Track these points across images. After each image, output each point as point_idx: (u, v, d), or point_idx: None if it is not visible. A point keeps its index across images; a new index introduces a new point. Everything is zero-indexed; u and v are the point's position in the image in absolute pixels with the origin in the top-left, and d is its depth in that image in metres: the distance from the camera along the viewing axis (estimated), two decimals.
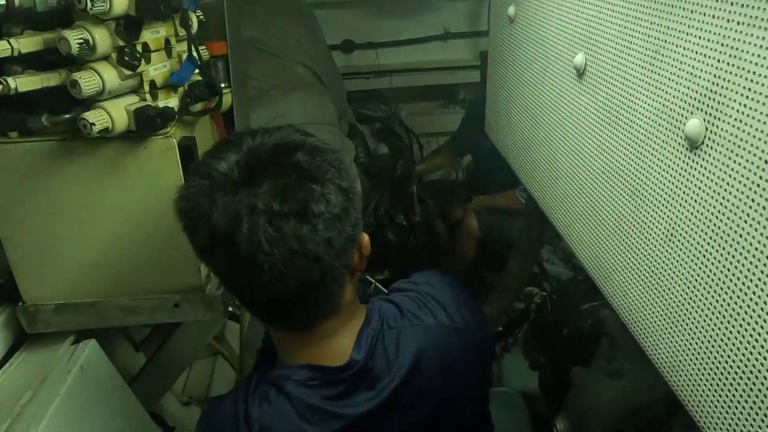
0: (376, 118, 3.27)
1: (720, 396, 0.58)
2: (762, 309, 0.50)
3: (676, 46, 0.58)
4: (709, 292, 0.56)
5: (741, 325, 0.53)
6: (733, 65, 0.50)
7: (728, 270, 0.53)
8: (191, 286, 1.09)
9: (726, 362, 0.56)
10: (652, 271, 0.65)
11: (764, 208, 0.47)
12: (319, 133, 0.77)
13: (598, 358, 1.29)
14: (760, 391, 0.52)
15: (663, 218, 0.61)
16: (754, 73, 0.48)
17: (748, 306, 0.51)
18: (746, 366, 0.53)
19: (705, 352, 0.60)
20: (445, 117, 3.50)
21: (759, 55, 0.47)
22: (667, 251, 0.61)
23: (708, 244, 0.55)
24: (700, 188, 0.55)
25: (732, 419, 0.57)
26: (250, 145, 0.68)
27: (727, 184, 0.51)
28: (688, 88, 0.55)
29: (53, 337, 1.12)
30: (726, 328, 0.55)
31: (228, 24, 1.11)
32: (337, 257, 0.68)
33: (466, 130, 2.84)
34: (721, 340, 0.56)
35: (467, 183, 2.87)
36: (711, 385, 0.59)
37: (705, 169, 0.54)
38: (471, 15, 3.17)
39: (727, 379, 0.56)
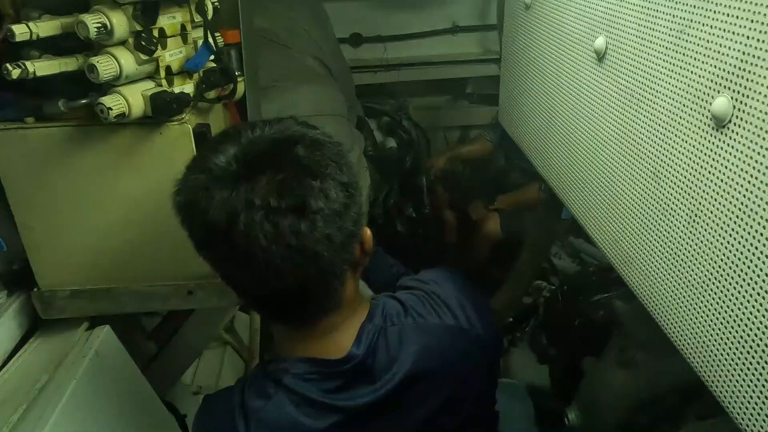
0: (383, 112, 3.26)
1: (747, 377, 0.58)
2: None
3: (703, 24, 0.57)
4: (735, 273, 0.56)
5: None
6: (763, 41, 0.49)
7: (756, 249, 0.52)
8: (205, 274, 1.09)
9: (754, 343, 0.56)
10: (675, 254, 0.65)
11: None
12: (328, 124, 0.77)
13: (610, 349, 1.29)
14: None
15: (687, 199, 0.61)
16: None
17: None
18: None
19: (731, 334, 0.59)
20: (453, 111, 3.50)
21: None
22: (691, 232, 0.61)
23: (734, 223, 0.54)
24: (726, 167, 0.55)
25: (759, 400, 0.56)
26: (250, 138, 0.67)
27: (755, 161, 0.50)
28: (715, 66, 0.55)
29: (67, 324, 1.12)
30: (753, 308, 0.55)
31: (241, 12, 1.11)
32: (337, 253, 0.67)
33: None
34: (749, 319, 0.56)
35: (493, 180, 2.85)
36: (738, 366, 0.59)
37: (731, 147, 0.53)
38: (480, 8, 3.15)
39: (755, 359, 0.56)
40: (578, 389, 1.33)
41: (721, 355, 0.61)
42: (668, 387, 1.16)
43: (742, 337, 0.57)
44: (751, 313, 0.55)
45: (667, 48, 0.63)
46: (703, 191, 0.58)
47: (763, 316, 0.54)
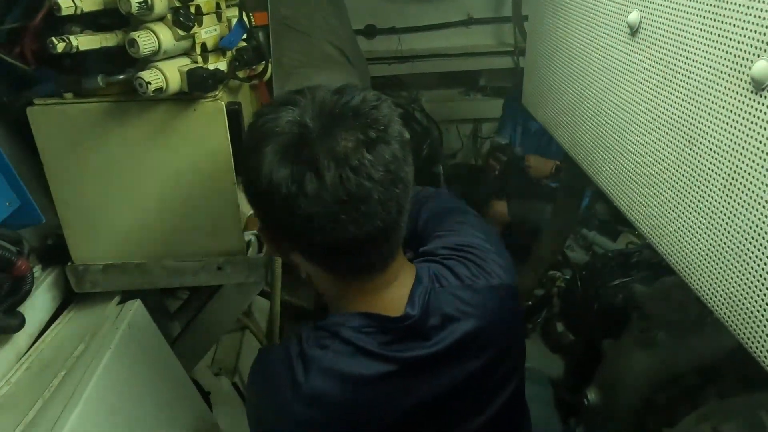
0: (396, 104, 3.27)
1: None
2: None
3: None
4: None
5: None
6: None
7: None
8: (234, 250, 1.12)
9: None
10: (711, 220, 0.66)
11: None
12: None
13: (630, 331, 1.30)
14: None
15: (723, 164, 0.62)
16: None
17: None
18: None
19: (759, 287, 0.60)
20: (466, 104, 3.51)
21: None
22: (728, 195, 0.63)
23: None
24: (765, 128, 0.56)
25: None
26: (310, 99, 0.70)
27: None
28: (755, 31, 0.56)
29: (99, 297, 1.15)
30: None
31: None
32: (406, 197, 0.71)
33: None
34: None
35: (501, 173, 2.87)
36: None
37: None
38: (495, 0, 3.16)
39: None
40: (597, 371, 1.35)
41: (759, 313, 0.62)
42: (688, 366, 1.17)
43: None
44: None
45: (704, 16, 0.65)
46: (741, 154, 0.60)
47: None
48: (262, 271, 1.13)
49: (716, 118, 0.63)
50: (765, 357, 0.64)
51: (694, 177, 0.69)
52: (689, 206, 0.71)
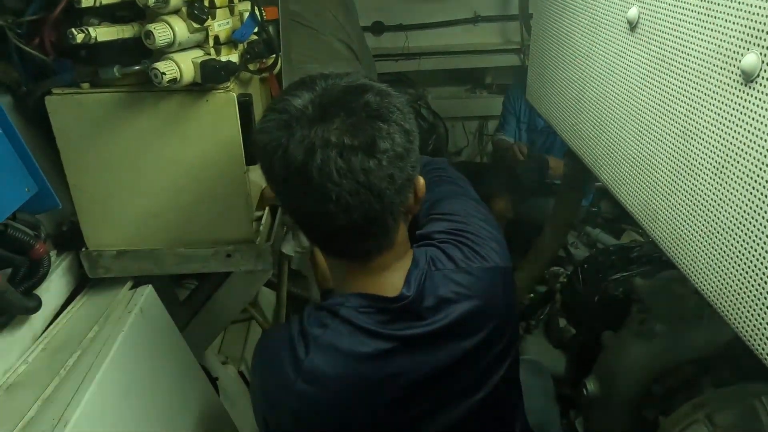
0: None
1: None
2: None
3: None
4: (760, 216, 0.59)
5: None
6: None
7: None
8: (243, 238, 1.15)
9: None
10: (703, 210, 0.69)
11: None
12: None
13: (630, 322, 1.33)
14: None
15: (714, 153, 0.65)
16: None
17: None
18: None
19: (756, 276, 0.63)
20: (472, 101, 3.53)
21: None
22: (717, 183, 0.65)
23: (760, 169, 0.58)
24: (753, 118, 0.59)
25: None
26: (323, 85, 0.74)
27: None
28: (745, 26, 0.59)
29: (112, 283, 1.19)
30: None
31: None
32: (397, 193, 0.73)
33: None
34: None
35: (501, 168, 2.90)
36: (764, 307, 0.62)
37: (759, 99, 0.57)
38: None
39: None
40: (597, 362, 1.37)
41: (746, 296, 0.65)
42: (686, 357, 1.20)
43: (764, 273, 0.61)
44: None
45: (698, 12, 0.67)
46: (731, 144, 0.62)
47: None
48: (270, 259, 1.16)
49: (709, 110, 0.66)
50: (759, 346, 0.66)
51: (688, 168, 0.72)
52: (683, 196, 0.74)
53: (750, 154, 0.60)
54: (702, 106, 0.67)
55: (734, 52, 0.60)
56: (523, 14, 2.91)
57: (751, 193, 0.60)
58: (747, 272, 0.64)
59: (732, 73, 0.61)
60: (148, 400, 1.07)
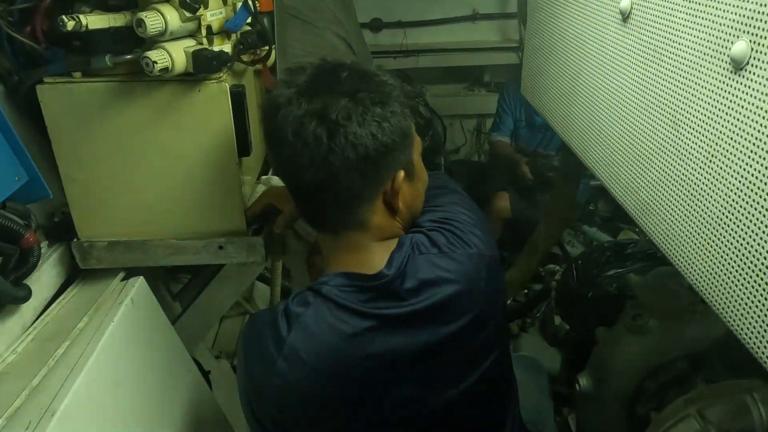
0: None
1: (763, 307, 0.61)
2: None
3: None
4: (750, 205, 0.59)
5: None
6: None
7: None
8: (235, 230, 1.14)
9: (766, 275, 0.59)
10: (691, 195, 0.69)
11: None
12: None
13: (623, 318, 1.33)
14: None
15: (704, 142, 0.65)
16: None
17: None
18: None
19: (745, 266, 0.62)
20: (469, 99, 3.53)
21: None
22: (707, 172, 0.65)
23: (750, 159, 0.58)
24: (742, 106, 0.58)
25: None
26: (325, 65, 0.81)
27: None
28: (735, 13, 0.59)
29: (103, 274, 1.18)
30: (763, 240, 0.58)
31: None
32: (367, 170, 0.78)
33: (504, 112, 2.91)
34: (758, 251, 0.59)
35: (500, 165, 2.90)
36: (753, 297, 0.62)
37: (748, 87, 0.57)
38: None
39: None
40: (590, 358, 1.37)
41: (732, 282, 0.65)
42: (678, 353, 1.19)
43: (756, 266, 0.61)
44: (765, 240, 0.59)
45: (690, 0, 0.67)
46: (720, 132, 0.62)
47: None
48: (262, 251, 1.16)
49: (699, 98, 0.66)
50: (752, 342, 0.66)
51: (678, 158, 0.72)
52: (674, 187, 0.74)
53: (739, 143, 0.60)
54: (692, 95, 0.67)
55: (724, 40, 0.60)
56: (522, 12, 2.88)
57: (740, 182, 0.60)
58: (739, 265, 0.64)
59: (722, 61, 0.61)
60: (139, 391, 1.07)
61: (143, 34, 0.89)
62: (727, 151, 0.61)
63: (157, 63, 0.91)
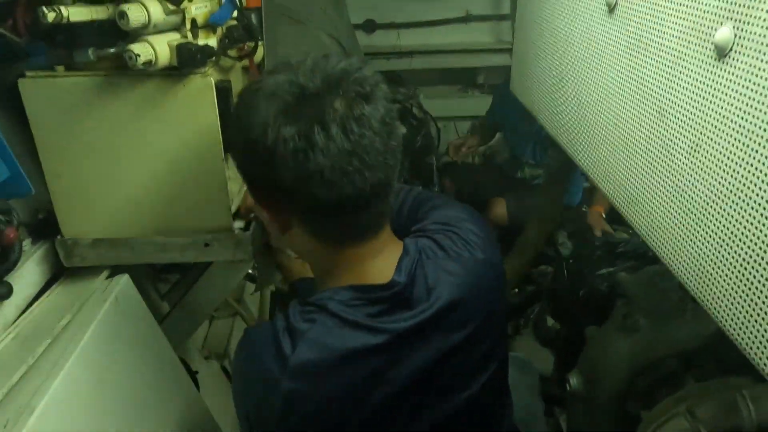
0: (394, 100, 3.28)
1: (748, 297, 0.60)
2: None
3: None
4: (735, 194, 0.59)
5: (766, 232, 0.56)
6: None
7: (755, 168, 0.55)
8: (221, 227, 1.13)
9: (753, 260, 0.58)
10: (676, 185, 0.68)
11: None
12: None
13: (613, 317, 1.32)
14: None
15: (689, 131, 0.64)
16: None
17: None
18: None
19: (730, 255, 0.62)
20: (463, 101, 3.53)
21: None
22: (692, 162, 0.65)
23: (734, 146, 0.57)
24: (726, 94, 0.58)
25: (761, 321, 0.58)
26: (299, 66, 0.74)
27: (754, 84, 0.54)
28: None
29: (88, 272, 1.16)
30: (753, 226, 0.57)
31: None
32: (395, 164, 0.75)
33: (496, 110, 2.86)
34: (748, 239, 0.59)
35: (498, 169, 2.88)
36: (737, 286, 0.61)
37: (732, 74, 0.57)
38: None
39: (753, 276, 0.58)
40: (580, 357, 1.36)
41: (720, 276, 0.64)
42: (668, 351, 1.19)
43: (740, 256, 0.60)
44: (750, 231, 0.58)
45: None
46: (705, 121, 0.62)
47: (763, 241, 0.56)
48: (249, 248, 1.14)
49: (684, 87, 0.65)
50: (741, 339, 0.65)
51: (662, 147, 0.71)
52: (657, 175, 0.73)
53: (723, 131, 0.59)
54: (677, 84, 0.67)
55: (708, 27, 0.60)
56: (515, 14, 2.91)
57: (726, 172, 0.60)
58: (727, 260, 0.63)
59: (706, 48, 0.60)
60: (122, 390, 1.05)
61: (126, 26, 0.88)
62: (712, 140, 0.61)
63: (140, 56, 0.90)
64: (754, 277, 0.58)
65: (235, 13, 1.05)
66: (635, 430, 1.07)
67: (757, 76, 0.53)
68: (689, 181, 0.66)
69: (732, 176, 0.59)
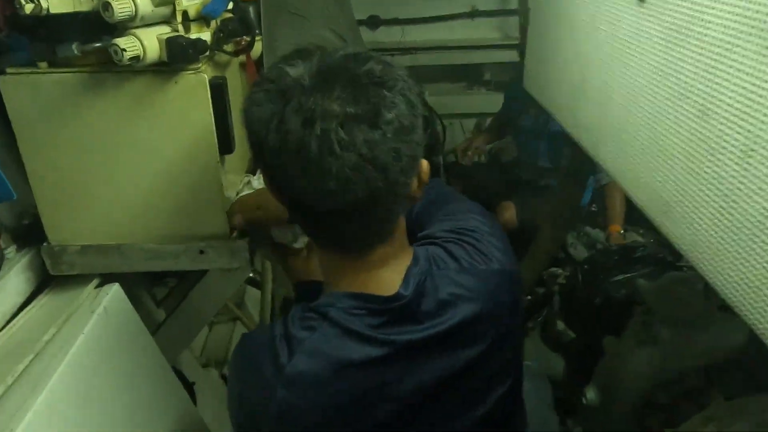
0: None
1: None
2: None
3: None
4: None
5: None
6: None
7: None
8: (217, 234, 1.07)
9: None
10: (725, 195, 0.61)
11: None
12: None
13: (632, 328, 1.25)
14: None
15: (741, 133, 0.57)
16: None
17: None
18: None
19: None
20: (469, 98, 3.45)
21: None
22: (744, 169, 0.57)
23: None
24: None
25: None
26: (321, 54, 0.66)
27: None
28: None
29: (77, 281, 1.10)
30: None
31: None
32: (402, 172, 0.65)
33: (507, 111, 2.77)
34: None
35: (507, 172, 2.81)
36: None
37: None
38: None
39: None
40: (596, 368, 1.30)
41: None
42: (692, 365, 1.12)
43: None
44: None
45: None
46: (759, 121, 0.54)
47: None
48: (246, 256, 1.08)
49: (735, 84, 0.58)
50: None
51: (708, 153, 0.64)
52: (700, 182, 0.65)
53: None
54: (726, 81, 0.59)
55: (764, 13, 0.52)
56: (522, 8, 2.83)
57: None
58: None
59: (761, 38, 0.53)
60: (111, 407, 0.99)
61: (110, 18, 0.82)
62: None
63: (126, 51, 0.83)
64: None
65: (230, 5, 0.99)
66: None
67: None
68: (741, 190, 0.59)
69: None
